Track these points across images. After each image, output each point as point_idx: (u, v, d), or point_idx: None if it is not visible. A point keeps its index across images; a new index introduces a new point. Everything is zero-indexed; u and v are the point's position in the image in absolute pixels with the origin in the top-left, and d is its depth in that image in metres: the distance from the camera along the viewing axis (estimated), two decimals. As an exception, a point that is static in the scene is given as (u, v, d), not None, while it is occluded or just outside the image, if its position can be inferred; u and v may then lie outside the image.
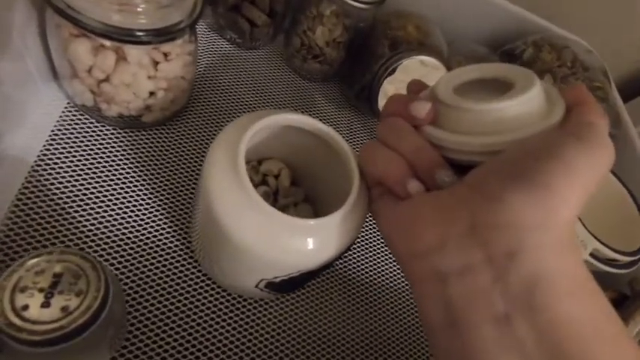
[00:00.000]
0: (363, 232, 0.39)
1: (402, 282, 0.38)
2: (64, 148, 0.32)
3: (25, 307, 0.18)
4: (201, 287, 0.31)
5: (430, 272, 0.20)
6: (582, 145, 0.19)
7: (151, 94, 0.32)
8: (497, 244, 0.18)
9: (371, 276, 0.37)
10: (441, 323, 0.20)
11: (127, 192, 0.32)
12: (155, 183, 0.34)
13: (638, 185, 0.40)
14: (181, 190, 0.34)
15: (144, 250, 0.31)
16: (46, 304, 0.18)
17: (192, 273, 0.31)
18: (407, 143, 0.23)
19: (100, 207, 0.31)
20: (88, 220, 0.30)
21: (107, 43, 0.28)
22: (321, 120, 0.45)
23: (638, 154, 0.44)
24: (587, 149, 0.19)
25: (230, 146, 0.23)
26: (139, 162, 0.34)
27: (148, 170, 0.34)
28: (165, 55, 0.31)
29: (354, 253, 0.38)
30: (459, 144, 0.22)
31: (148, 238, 0.31)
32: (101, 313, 0.19)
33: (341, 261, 0.37)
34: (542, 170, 0.18)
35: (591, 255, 0.35)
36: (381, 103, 0.41)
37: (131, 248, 0.30)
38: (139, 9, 0.27)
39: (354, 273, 0.37)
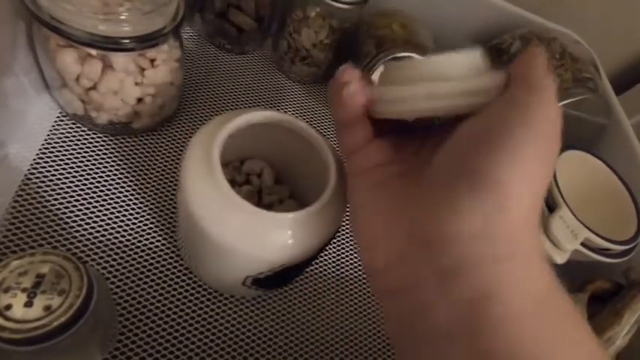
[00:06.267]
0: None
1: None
2: (56, 156, 0.33)
3: (9, 307, 0.18)
4: (192, 288, 0.31)
5: (378, 290, 0.20)
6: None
7: (139, 100, 0.33)
8: (437, 260, 0.17)
9: (362, 272, 0.37)
10: (395, 334, 0.19)
11: (118, 197, 0.33)
12: (146, 187, 0.34)
13: (631, 175, 0.40)
14: (172, 195, 0.35)
15: (135, 253, 0.31)
16: (29, 304, 0.18)
17: (184, 274, 0.31)
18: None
19: (92, 212, 0.31)
20: (80, 225, 0.31)
21: (93, 52, 0.29)
22: (313, 122, 0.46)
23: (631, 145, 0.43)
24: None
25: (205, 147, 0.23)
26: (130, 168, 0.34)
27: (138, 175, 0.34)
28: (152, 61, 0.32)
29: (345, 249, 0.38)
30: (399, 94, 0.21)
31: (139, 242, 0.32)
32: (84, 312, 0.20)
33: (331, 256, 0.37)
34: (487, 167, 0.16)
35: (583, 244, 0.34)
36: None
37: (123, 252, 0.31)
38: (122, 17, 0.28)
39: (345, 268, 0.37)
